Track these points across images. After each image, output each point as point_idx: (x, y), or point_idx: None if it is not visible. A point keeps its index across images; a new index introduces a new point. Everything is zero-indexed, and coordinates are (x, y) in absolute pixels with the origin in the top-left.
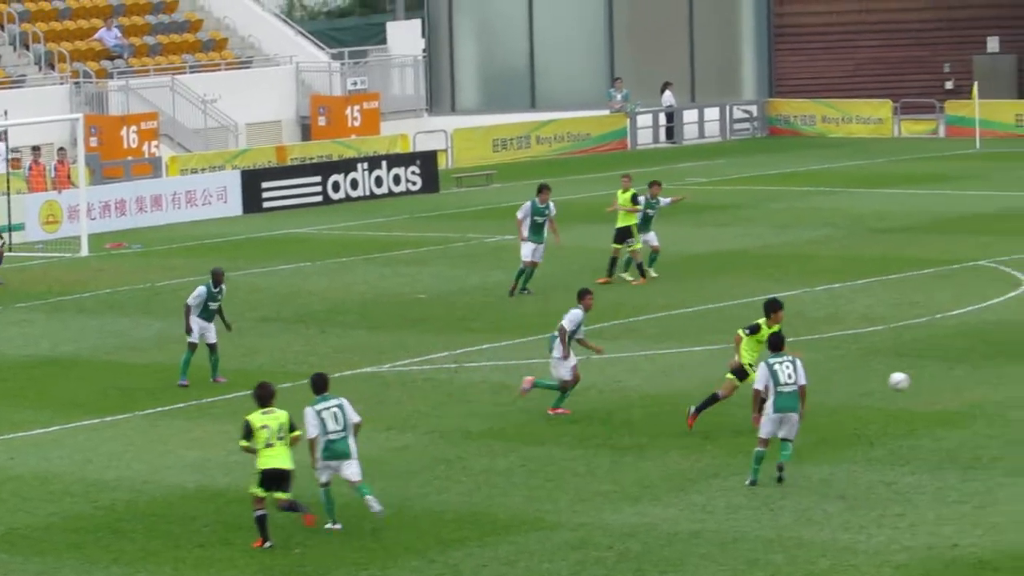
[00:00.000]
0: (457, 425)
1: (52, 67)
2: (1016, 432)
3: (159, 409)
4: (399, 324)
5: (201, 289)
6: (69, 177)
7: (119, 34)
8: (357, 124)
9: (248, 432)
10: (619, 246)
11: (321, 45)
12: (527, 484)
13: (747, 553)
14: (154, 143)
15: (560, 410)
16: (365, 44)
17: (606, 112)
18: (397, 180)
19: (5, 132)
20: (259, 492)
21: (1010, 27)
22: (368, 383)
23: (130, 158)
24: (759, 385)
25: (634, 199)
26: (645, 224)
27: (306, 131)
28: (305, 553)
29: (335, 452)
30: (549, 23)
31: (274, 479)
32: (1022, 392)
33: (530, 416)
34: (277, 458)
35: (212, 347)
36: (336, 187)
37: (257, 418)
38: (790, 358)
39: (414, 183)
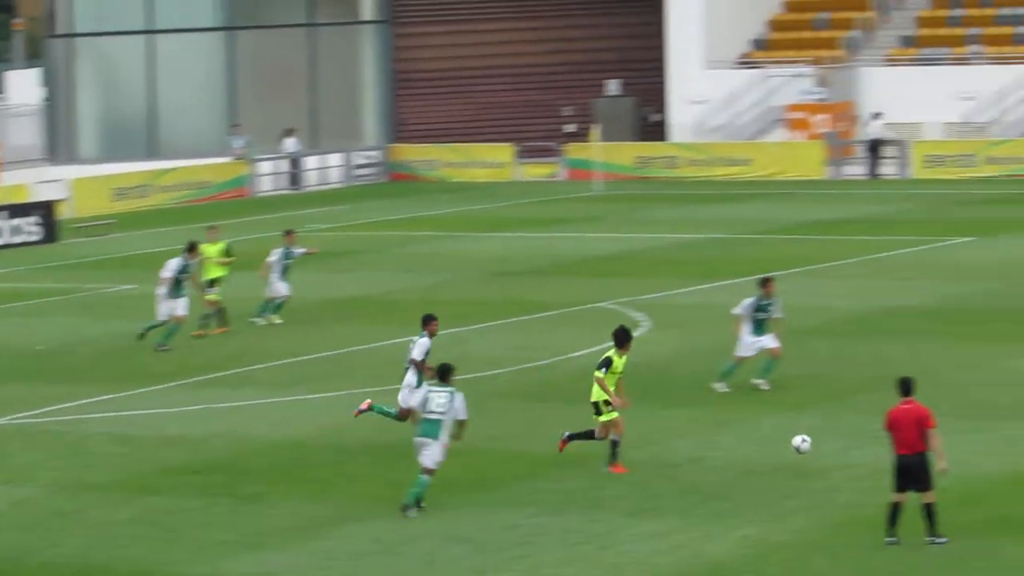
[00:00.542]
0: (76, 477)
1: None
2: (637, 473)
3: None
4: (17, 376)
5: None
6: None
7: None
8: None
9: None
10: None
11: None
12: (146, 535)
13: None
14: None
15: None
16: None
17: (227, 159)
18: (16, 231)
19: None
20: None
21: (629, 70)
22: None
23: None
24: (413, 404)
25: (226, 251)
26: (284, 273)
27: None
28: None
29: None
30: (170, 70)
31: None
32: (643, 431)
33: (150, 467)
34: None
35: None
36: None
37: None
38: (451, 391)
39: (34, 233)
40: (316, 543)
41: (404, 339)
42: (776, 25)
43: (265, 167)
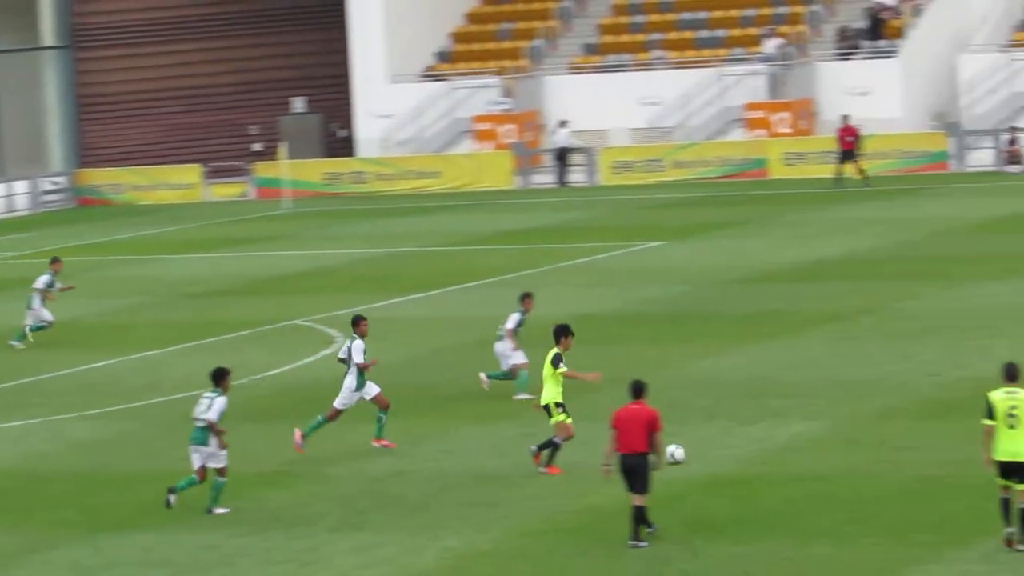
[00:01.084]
0: None
1: None
2: (336, 488)
3: None
4: None
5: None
6: None
7: None
8: None
9: None
10: None
11: None
12: None
13: None
14: None
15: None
16: None
17: None
18: None
19: None
20: None
21: (315, 87)
22: None
23: None
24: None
25: None
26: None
27: None
28: None
29: None
30: None
31: None
32: (345, 446)
33: None
34: None
35: None
36: None
37: None
38: (211, 395)
39: None
40: (12, 572)
41: (99, 364)
42: (459, 37)
43: None
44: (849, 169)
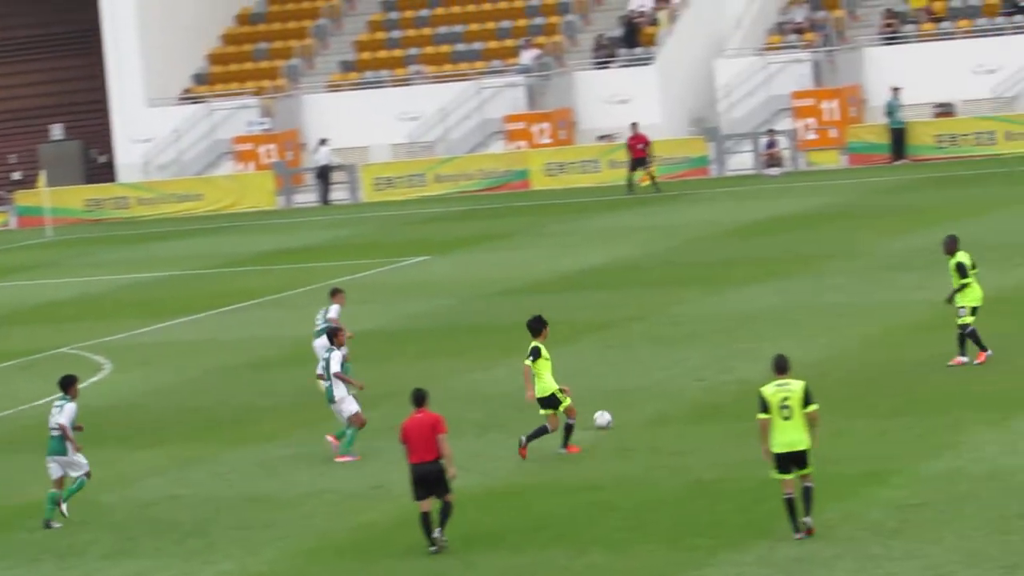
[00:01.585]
0: None
1: None
2: (107, 515)
3: None
4: None
5: None
6: None
7: None
8: None
9: None
10: None
11: None
12: None
13: None
14: None
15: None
16: None
17: None
18: None
19: None
20: None
21: (73, 113)
22: None
23: None
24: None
25: None
26: None
27: None
28: None
29: None
30: None
31: None
32: (115, 472)
33: None
34: None
35: None
36: None
37: None
38: (60, 403)
39: None
40: None
41: None
42: (216, 59)
43: None
44: (640, 176)
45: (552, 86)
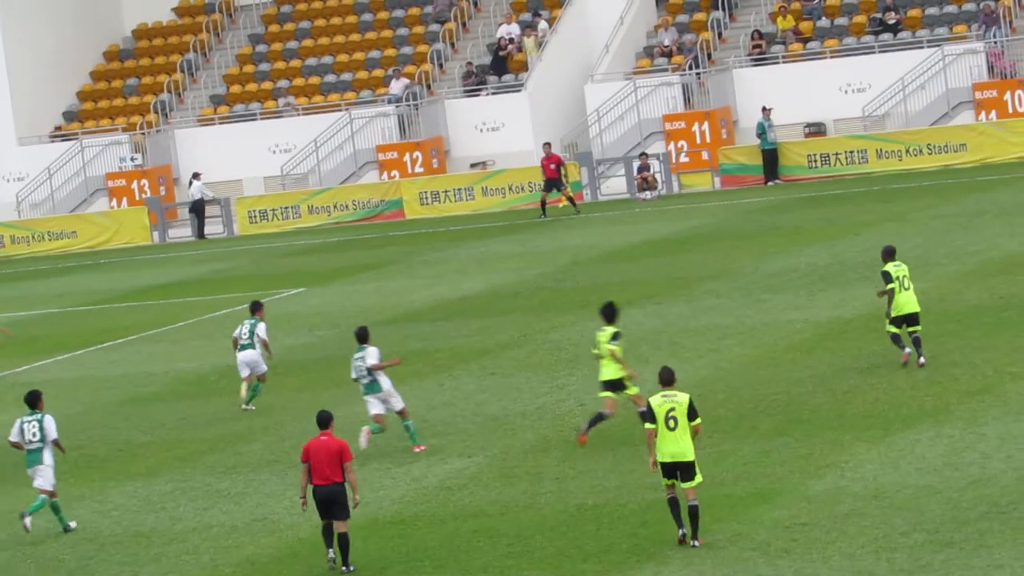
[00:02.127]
0: None
1: None
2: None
3: None
4: None
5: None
6: None
7: None
8: None
9: None
10: None
11: None
12: None
13: None
14: None
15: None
16: None
17: None
18: None
19: None
20: None
21: None
22: None
23: None
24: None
25: None
26: None
27: None
28: None
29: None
30: None
31: None
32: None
33: None
34: None
35: None
36: None
37: None
38: (39, 416)
39: None
40: None
41: None
42: (86, 95)
43: None
44: (554, 197)
45: (423, 115)
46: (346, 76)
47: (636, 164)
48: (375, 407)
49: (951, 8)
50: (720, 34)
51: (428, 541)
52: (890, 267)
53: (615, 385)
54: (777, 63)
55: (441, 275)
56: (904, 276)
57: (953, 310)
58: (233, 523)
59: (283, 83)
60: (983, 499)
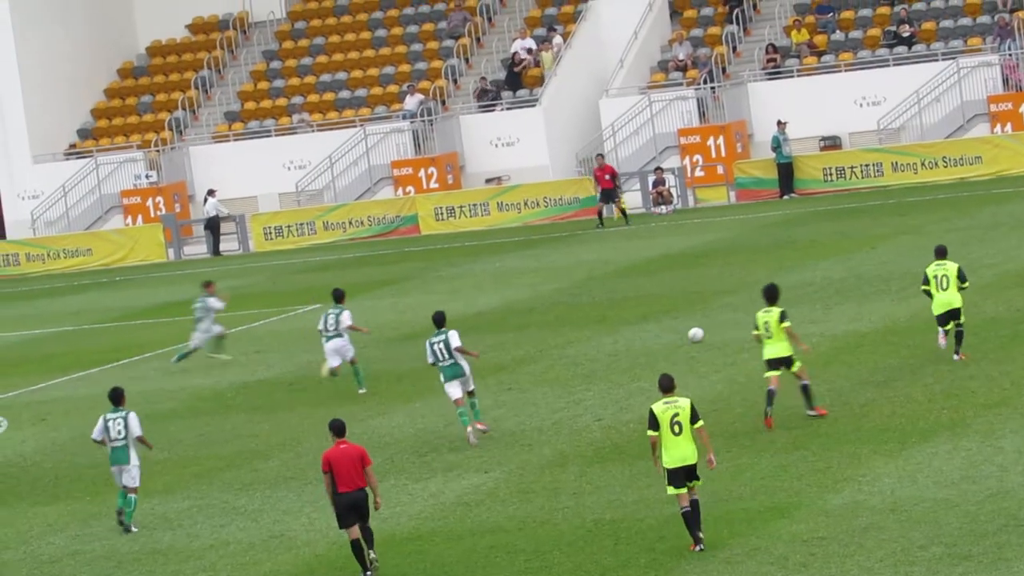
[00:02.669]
0: None
1: None
2: (12, 573)
3: None
4: None
5: None
6: None
7: None
8: None
9: None
10: None
11: None
12: None
13: None
14: None
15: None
16: None
17: None
18: None
19: None
20: None
21: None
22: None
23: None
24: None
25: None
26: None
27: None
28: None
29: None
30: None
31: None
32: (17, 530)
33: None
34: None
35: None
36: None
37: None
38: (120, 415)
39: None
40: None
41: None
42: (100, 113)
43: None
44: (613, 208)
45: (438, 131)
46: (361, 92)
47: (651, 178)
48: (456, 391)
49: (965, 21)
50: (735, 48)
51: (446, 557)
52: (931, 268)
53: (784, 362)
54: (792, 77)
55: (457, 291)
56: (944, 275)
57: (969, 323)
58: (250, 540)
59: (298, 99)
60: (1001, 512)
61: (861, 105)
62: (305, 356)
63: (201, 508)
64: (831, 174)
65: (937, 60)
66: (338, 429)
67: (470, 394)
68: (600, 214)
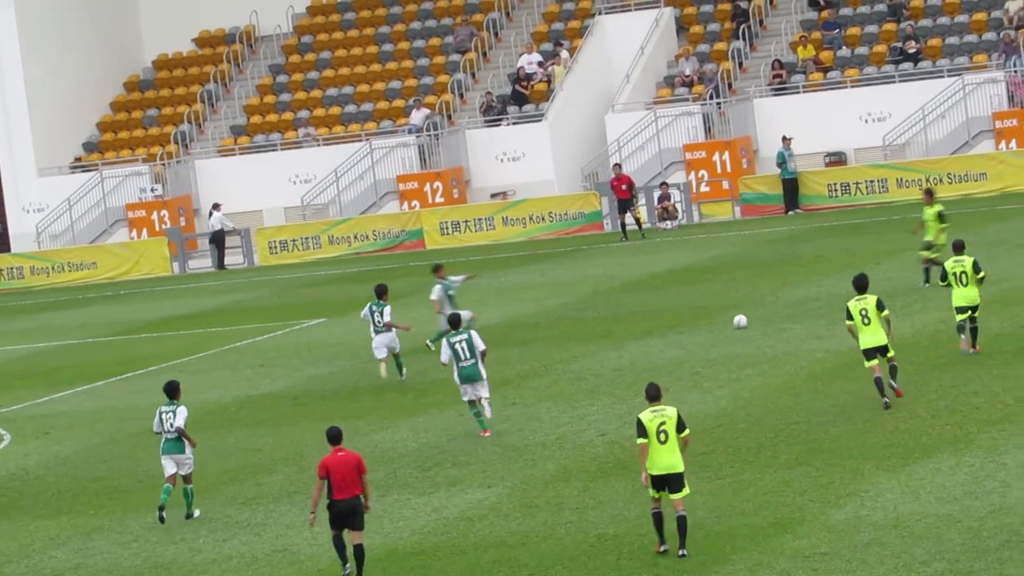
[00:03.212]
0: None
1: None
2: None
3: None
4: None
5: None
6: None
7: None
8: None
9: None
10: None
11: None
12: None
13: None
14: None
15: None
16: None
17: None
18: None
19: None
20: None
21: None
22: None
23: None
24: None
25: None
26: (451, 302)
27: None
28: None
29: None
30: None
31: None
32: (19, 543)
33: None
34: None
35: None
36: None
37: None
38: (171, 407)
39: None
40: None
41: None
42: (106, 126)
43: None
44: (627, 218)
45: (443, 145)
46: (366, 106)
47: (657, 194)
48: (470, 394)
49: (971, 37)
50: (741, 64)
51: (448, 572)
52: (949, 263)
53: (881, 350)
54: (797, 93)
55: (461, 305)
56: (963, 272)
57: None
58: (253, 554)
59: (303, 113)
60: (1003, 528)
61: (866, 121)
62: (309, 370)
63: (204, 522)
64: (836, 190)
65: (943, 77)
66: (335, 437)
67: (483, 400)
68: (623, 226)
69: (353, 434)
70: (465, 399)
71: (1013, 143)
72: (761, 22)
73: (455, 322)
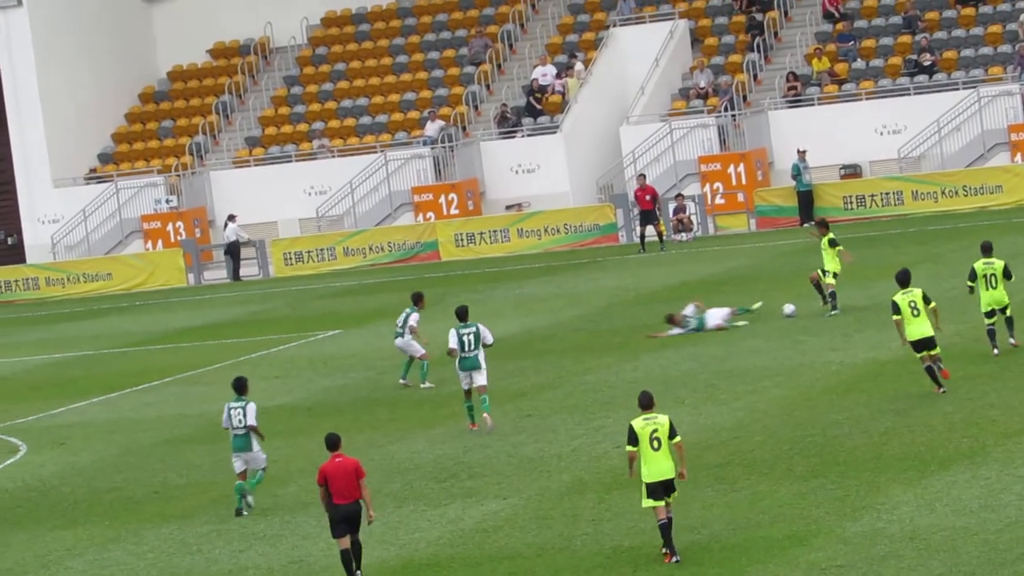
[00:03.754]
0: None
1: None
2: None
3: None
4: None
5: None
6: None
7: None
8: None
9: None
10: None
11: None
12: None
13: None
14: None
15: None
16: None
17: None
18: None
19: None
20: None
21: None
22: None
23: None
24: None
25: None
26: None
27: None
28: None
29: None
30: None
31: None
32: (35, 554)
33: None
34: None
35: None
36: None
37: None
38: (240, 404)
39: None
40: None
41: None
42: (121, 137)
43: None
44: (651, 230)
45: (458, 157)
46: (381, 118)
47: (672, 206)
48: (468, 382)
49: (986, 50)
50: (755, 76)
51: None
52: (979, 264)
53: (928, 343)
54: (812, 105)
55: (476, 317)
56: (993, 274)
57: (989, 352)
58: (269, 565)
59: (318, 125)
60: (1020, 541)
61: (882, 133)
62: (324, 382)
63: (220, 533)
64: (851, 202)
65: (958, 89)
66: (333, 443)
67: (481, 389)
68: (643, 238)
69: (369, 446)
70: (463, 387)
71: None
72: (776, 34)
73: (462, 314)
